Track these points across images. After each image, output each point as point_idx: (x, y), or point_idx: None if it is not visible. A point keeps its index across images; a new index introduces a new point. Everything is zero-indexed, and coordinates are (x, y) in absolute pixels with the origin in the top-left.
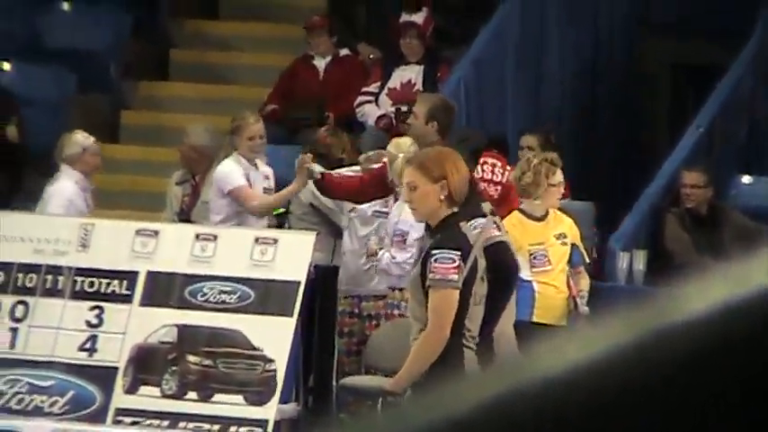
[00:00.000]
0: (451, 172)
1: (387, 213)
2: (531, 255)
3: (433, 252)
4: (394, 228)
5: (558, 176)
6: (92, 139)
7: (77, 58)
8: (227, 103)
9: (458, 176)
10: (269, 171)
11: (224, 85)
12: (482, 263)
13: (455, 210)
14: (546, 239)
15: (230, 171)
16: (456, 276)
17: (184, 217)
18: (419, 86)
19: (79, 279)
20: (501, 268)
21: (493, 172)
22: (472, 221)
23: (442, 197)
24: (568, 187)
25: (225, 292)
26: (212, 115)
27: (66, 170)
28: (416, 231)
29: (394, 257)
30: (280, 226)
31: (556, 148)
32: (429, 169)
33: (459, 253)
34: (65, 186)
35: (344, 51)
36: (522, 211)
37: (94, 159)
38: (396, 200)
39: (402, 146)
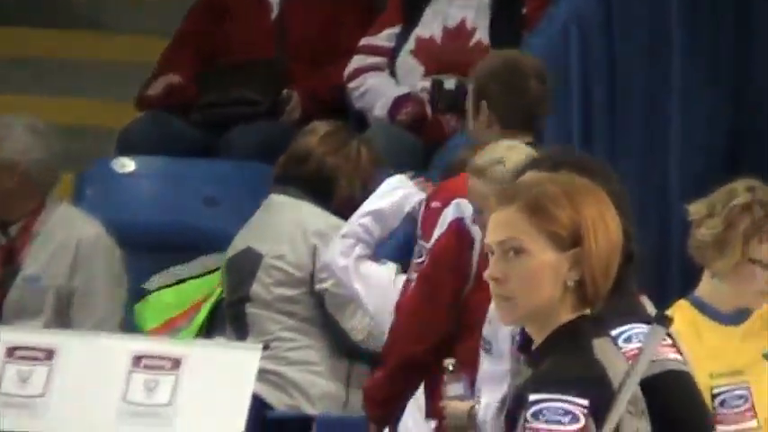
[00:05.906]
0: (594, 231)
1: None
2: (713, 395)
3: (534, 398)
4: None
5: None
6: None
7: None
8: (64, 69)
9: (604, 242)
10: None
11: (59, 30)
12: (633, 426)
13: (586, 312)
14: (746, 363)
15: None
16: None
17: None
18: (481, 36)
19: None
20: (677, 421)
21: None
22: (623, 331)
23: (570, 282)
24: None
25: None
26: (38, 95)
27: None
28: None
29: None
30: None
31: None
32: (553, 218)
33: (585, 403)
34: None
35: None
36: (695, 304)
37: None
38: None
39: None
